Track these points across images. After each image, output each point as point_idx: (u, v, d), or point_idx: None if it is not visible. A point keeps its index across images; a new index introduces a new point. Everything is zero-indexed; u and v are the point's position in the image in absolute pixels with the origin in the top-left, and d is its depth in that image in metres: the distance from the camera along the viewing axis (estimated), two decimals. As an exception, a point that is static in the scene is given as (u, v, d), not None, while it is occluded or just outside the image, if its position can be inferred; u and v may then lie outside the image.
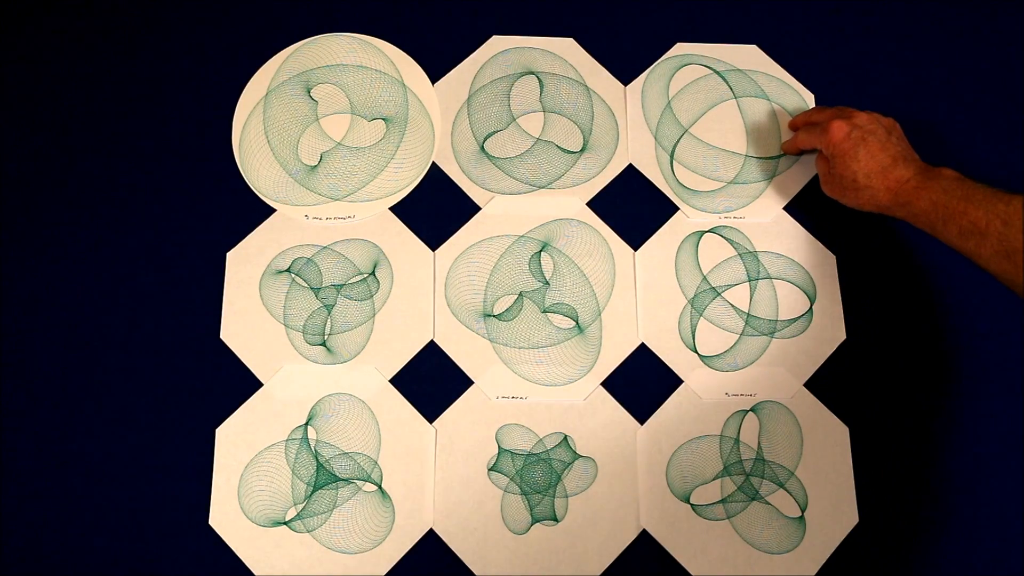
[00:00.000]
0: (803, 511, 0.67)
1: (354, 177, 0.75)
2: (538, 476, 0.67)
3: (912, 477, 0.68)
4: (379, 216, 0.74)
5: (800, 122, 0.74)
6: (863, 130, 0.65)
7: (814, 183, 0.75)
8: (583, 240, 0.73)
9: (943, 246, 0.71)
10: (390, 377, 0.69)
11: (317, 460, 0.67)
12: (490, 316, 0.71)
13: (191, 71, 0.78)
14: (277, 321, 0.70)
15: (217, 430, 0.67)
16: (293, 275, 0.71)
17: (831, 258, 0.74)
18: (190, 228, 0.73)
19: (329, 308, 0.71)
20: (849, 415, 0.69)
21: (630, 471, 0.67)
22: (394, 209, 0.74)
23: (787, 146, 0.75)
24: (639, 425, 0.69)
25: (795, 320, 0.72)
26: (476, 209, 0.74)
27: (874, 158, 0.64)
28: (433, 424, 0.68)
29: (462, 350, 0.70)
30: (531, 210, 0.74)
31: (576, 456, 0.67)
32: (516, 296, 0.71)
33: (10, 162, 0.74)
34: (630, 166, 0.76)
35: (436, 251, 0.73)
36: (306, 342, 0.70)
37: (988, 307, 0.72)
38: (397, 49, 0.79)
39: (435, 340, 0.70)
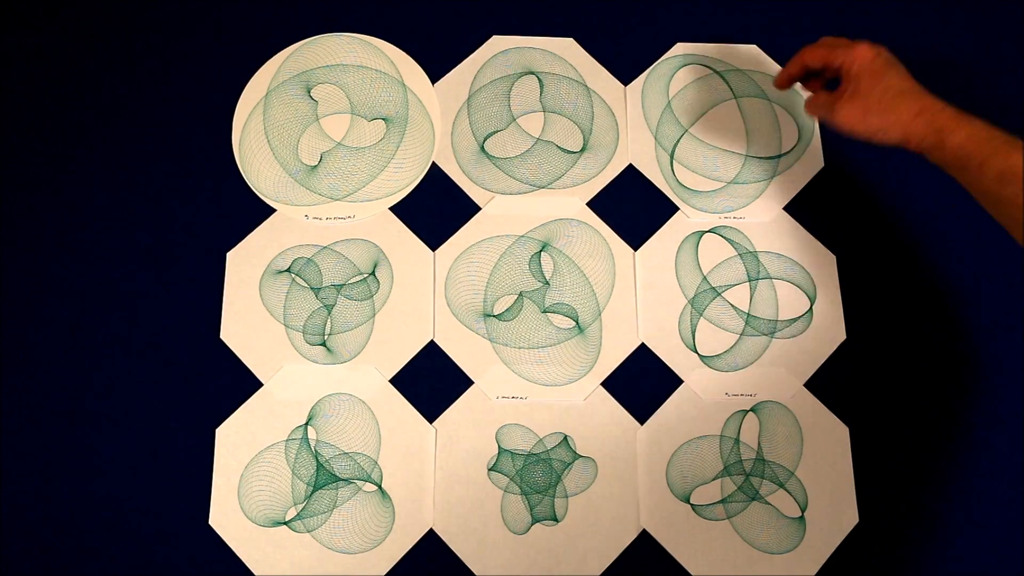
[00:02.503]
0: (803, 511, 0.67)
1: (354, 177, 0.75)
2: (538, 476, 0.67)
3: (912, 477, 0.68)
4: (379, 216, 0.74)
5: (795, 64, 0.67)
6: (890, 56, 0.61)
7: (814, 183, 0.75)
8: (583, 240, 0.73)
9: (943, 246, 0.70)
10: (390, 377, 0.69)
11: (317, 460, 0.67)
12: (490, 316, 0.71)
13: (191, 71, 0.78)
14: (277, 321, 0.70)
15: (217, 430, 0.67)
16: (293, 275, 0.71)
17: (831, 258, 0.74)
18: (190, 228, 0.73)
19: (329, 308, 0.71)
20: (849, 415, 0.69)
21: (630, 471, 0.67)
22: (394, 209, 0.74)
23: (783, 77, 0.68)
24: (639, 425, 0.69)
25: (795, 320, 0.72)
26: (476, 209, 0.74)
27: (905, 80, 0.59)
28: (433, 424, 0.68)
29: (462, 350, 0.70)
30: (531, 210, 0.74)
31: (576, 456, 0.67)
32: (516, 296, 0.71)
33: (10, 162, 0.74)
34: (630, 166, 0.76)
35: (436, 251, 0.73)
36: (306, 342, 0.70)
37: (988, 307, 0.72)
38: (397, 49, 0.79)
39: (435, 340, 0.70)
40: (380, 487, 0.66)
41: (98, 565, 0.64)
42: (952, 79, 0.80)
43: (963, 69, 0.81)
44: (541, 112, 0.77)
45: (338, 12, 0.80)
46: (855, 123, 0.61)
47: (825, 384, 0.70)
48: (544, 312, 0.71)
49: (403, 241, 0.73)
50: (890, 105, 0.58)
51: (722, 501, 0.67)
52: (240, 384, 0.69)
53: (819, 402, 0.69)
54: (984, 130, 0.55)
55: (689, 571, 0.65)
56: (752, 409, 0.69)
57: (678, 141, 0.77)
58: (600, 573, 0.65)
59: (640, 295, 0.72)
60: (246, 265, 0.72)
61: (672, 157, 0.77)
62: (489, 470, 0.67)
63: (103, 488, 0.66)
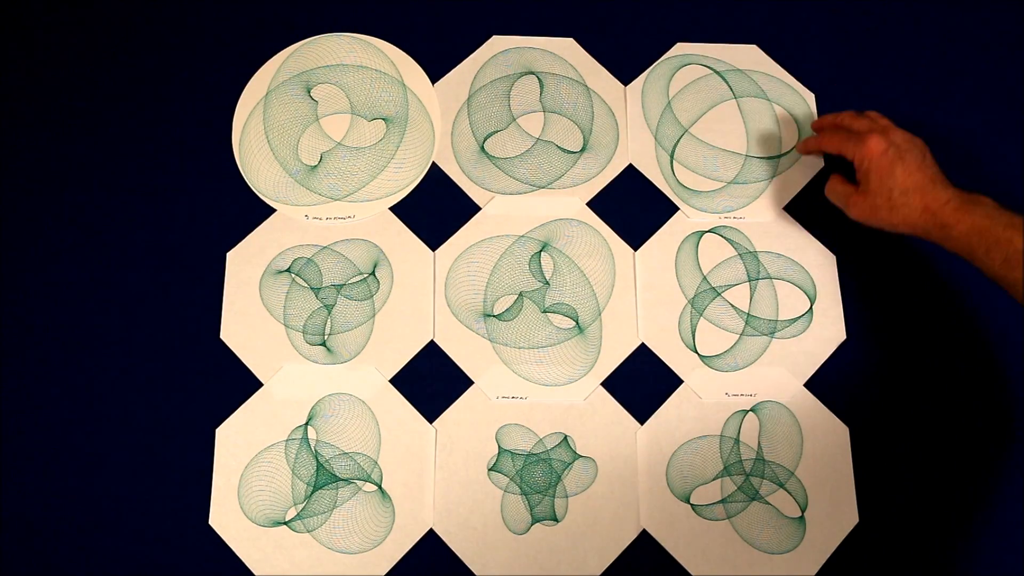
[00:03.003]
0: (803, 511, 0.67)
1: (354, 177, 0.75)
2: (538, 476, 0.67)
3: (912, 477, 0.68)
4: (379, 216, 0.74)
5: (827, 124, 0.71)
6: (900, 148, 0.63)
7: (814, 183, 0.75)
8: (583, 240, 0.73)
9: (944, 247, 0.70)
10: (390, 377, 0.69)
11: (317, 460, 0.67)
12: (490, 316, 0.71)
13: (191, 71, 0.78)
14: (277, 321, 0.70)
15: (217, 430, 0.67)
16: (293, 275, 0.71)
17: (831, 258, 0.74)
18: (190, 228, 0.73)
19: (329, 308, 0.71)
20: (849, 415, 0.69)
21: (630, 471, 0.67)
22: (394, 209, 0.74)
23: (806, 146, 0.73)
24: (639, 425, 0.69)
25: (795, 320, 0.72)
26: (476, 209, 0.74)
27: (911, 176, 0.62)
28: (433, 424, 0.68)
29: (462, 350, 0.70)
30: (531, 210, 0.74)
31: (576, 456, 0.67)
32: (516, 296, 0.71)
33: (10, 162, 0.74)
34: (630, 166, 0.76)
35: (436, 251, 0.73)
36: (306, 342, 0.70)
37: (988, 307, 0.72)
38: (397, 49, 0.79)
39: (435, 340, 0.70)
40: (380, 487, 0.66)
41: (98, 565, 0.64)
42: (951, 80, 0.80)
43: (963, 68, 0.81)
44: (541, 112, 0.77)
45: (338, 12, 0.80)
46: (866, 218, 0.65)
47: (825, 384, 0.70)
48: (544, 312, 0.71)
49: (403, 241, 0.73)
50: (897, 204, 0.62)
51: (722, 501, 0.67)
52: (240, 384, 0.68)
53: (819, 402, 0.69)
54: (986, 218, 0.58)
55: (689, 571, 0.65)
56: (752, 409, 0.69)
57: (678, 141, 0.77)
58: (600, 573, 0.65)
59: (640, 295, 0.72)
60: (246, 265, 0.72)
61: (672, 157, 0.77)
62: (489, 470, 0.67)
63: (103, 488, 0.66)
